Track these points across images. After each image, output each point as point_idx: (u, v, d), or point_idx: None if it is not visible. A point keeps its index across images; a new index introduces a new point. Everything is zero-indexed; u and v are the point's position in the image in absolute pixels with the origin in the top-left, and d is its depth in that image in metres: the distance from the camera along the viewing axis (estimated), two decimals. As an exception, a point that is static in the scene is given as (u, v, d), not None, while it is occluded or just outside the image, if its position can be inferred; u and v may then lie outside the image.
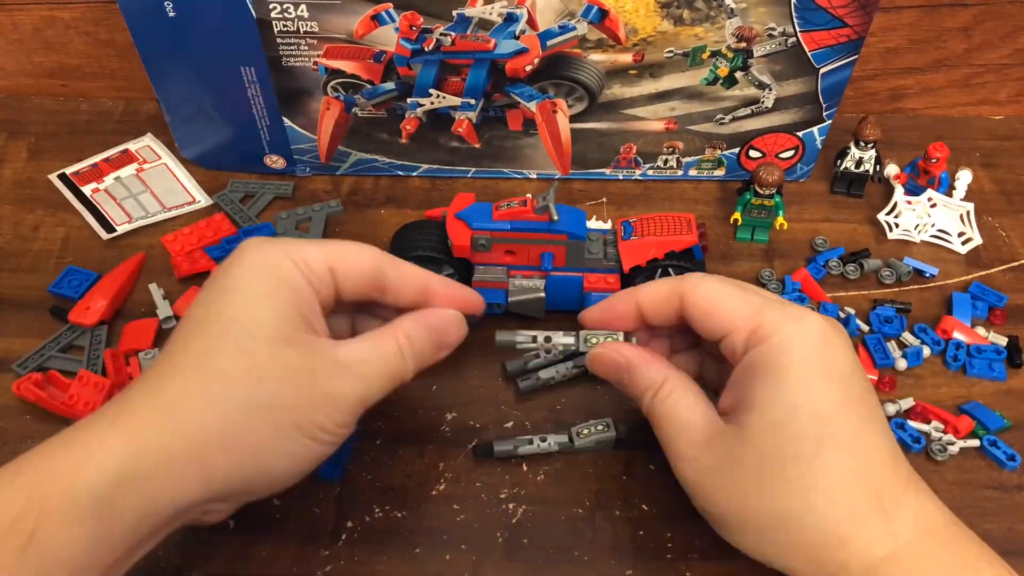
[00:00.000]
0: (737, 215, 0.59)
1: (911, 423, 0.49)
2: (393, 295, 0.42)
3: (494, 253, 0.51)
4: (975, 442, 0.48)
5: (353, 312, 0.45)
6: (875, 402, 0.38)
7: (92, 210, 0.61)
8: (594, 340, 0.44)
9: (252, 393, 0.35)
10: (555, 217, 0.49)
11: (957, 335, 0.53)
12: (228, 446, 0.35)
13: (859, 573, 0.35)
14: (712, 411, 0.40)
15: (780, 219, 0.59)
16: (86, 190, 0.62)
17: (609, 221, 0.59)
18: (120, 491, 0.33)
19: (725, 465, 0.38)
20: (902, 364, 0.52)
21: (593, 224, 0.56)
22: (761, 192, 0.58)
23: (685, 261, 0.52)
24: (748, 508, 0.37)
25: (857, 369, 0.38)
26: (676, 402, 0.40)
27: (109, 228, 0.60)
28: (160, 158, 0.64)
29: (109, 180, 0.63)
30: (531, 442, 0.47)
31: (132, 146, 0.66)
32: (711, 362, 0.45)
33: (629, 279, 0.52)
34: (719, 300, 0.40)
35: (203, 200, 0.62)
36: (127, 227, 0.60)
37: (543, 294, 0.52)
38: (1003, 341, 0.53)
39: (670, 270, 0.52)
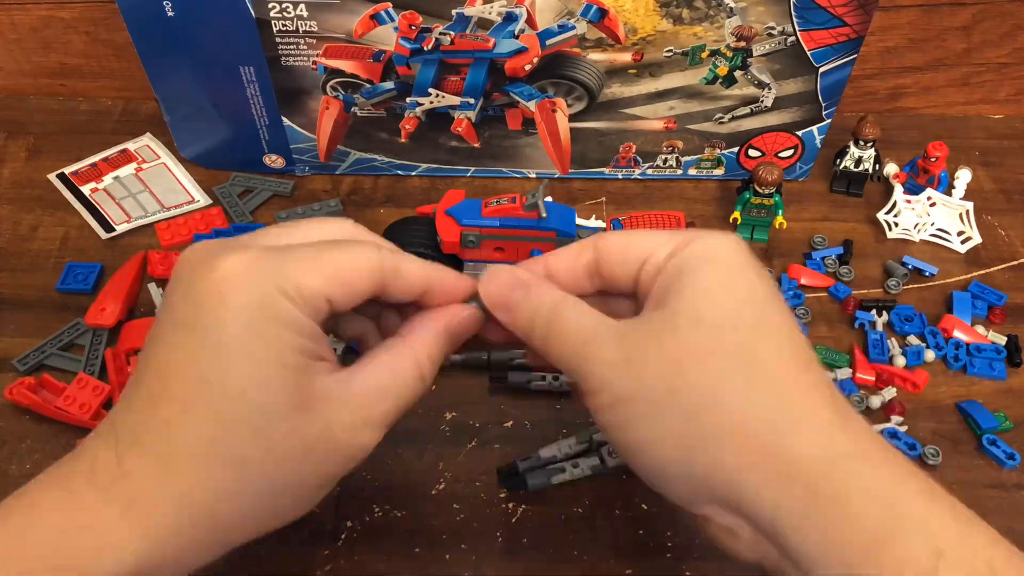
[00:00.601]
0: (737, 214, 0.59)
1: (899, 428, 0.49)
2: (394, 295, 0.37)
3: (483, 250, 0.52)
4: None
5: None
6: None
7: (91, 210, 0.61)
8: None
9: (273, 477, 0.33)
10: (544, 214, 0.49)
11: (957, 334, 0.53)
12: (249, 524, 0.33)
13: (816, 474, 0.30)
14: (619, 321, 0.35)
15: (779, 218, 0.59)
16: (85, 189, 0.62)
17: (593, 217, 0.59)
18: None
19: (653, 341, 0.33)
20: (900, 361, 0.52)
21: (585, 222, 0.56)
22: (760, 191, 0.58)
23: None
24: (682, 377, 0.32)
25: (776, 284, 0.36)
26: (577, 306, 0.35)
27: (108, 227, 0.60)
28: (159, 157, 0.64)
29: (108, 180, 0.63)
30: (563, 470, 0.46)
31: (131, 146, 0.66)
32: (621, 310, 0.39)
33: None
34: (636, 234, 0.37)
35: (202, 199, 0.62)
36: (126, 226, 0.60)
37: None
38: (1003, 340, 0.53)
39: None
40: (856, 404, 0.50)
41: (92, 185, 0.62)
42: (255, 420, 0.32)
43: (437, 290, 0.38)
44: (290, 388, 0.32)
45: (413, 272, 0.37)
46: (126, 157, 0.65)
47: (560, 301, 0.36)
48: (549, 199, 0.60)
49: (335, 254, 0.34)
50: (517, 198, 0.50)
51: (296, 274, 0.33)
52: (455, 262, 0.53)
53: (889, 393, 0.50)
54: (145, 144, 0.66)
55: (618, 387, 0.33)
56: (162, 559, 0.31)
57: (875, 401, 0.50)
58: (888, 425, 0.49)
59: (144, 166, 0.64)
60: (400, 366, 0.36)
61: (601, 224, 0.57)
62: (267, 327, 0.32)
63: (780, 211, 0.59)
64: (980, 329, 0.54)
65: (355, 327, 0.39)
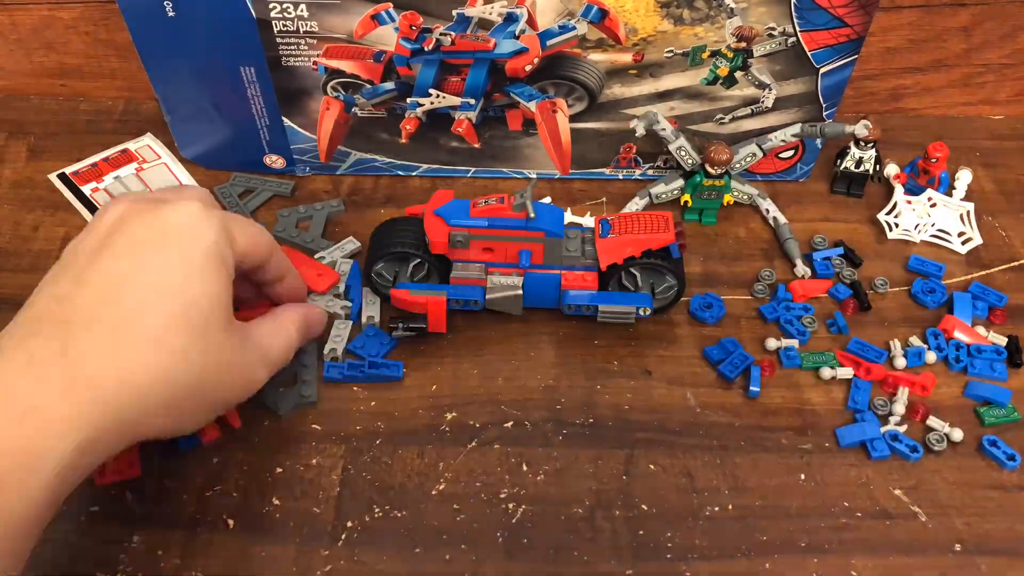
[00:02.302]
0: (687, 197, 0.60)
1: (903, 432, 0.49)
2: (263, 276, 0.47)
3: (472, 250, 0.52)
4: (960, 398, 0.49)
5: None
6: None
7: (92, 209, 0.61)
8: None
9: (200, 375, 0.39)
10: (532, 215, 0.50)
11: (958, 335, 0.53)
12: (168, 415, 0.38)
13: None
14: None
15: (728, 196, 0.60)
16: (86, 189, 0.62)
17: (588, 215, 0.59)
18: (77, 460, 0.35)
19: None
20: (901, 363, 0.52)
21: (579, 219, 0.56)
22: (712, 172, 0.58)
23: (662, 259, 0.52)
24: None
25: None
26: None
27: None
28: (159, 157, 0.64)
29: (108, 180, 0.63)
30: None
31: (132, 145, 0.66)
32: None
33: (606, 277, 0.52)
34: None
35: None
36: None
37: (520, 292, 0.52)
38: (1003, 341, 0.53)
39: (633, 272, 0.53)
40: (881, 408, 0.50)
41: (93, 185, 0.62)
42: (201, 326, 0.38)
43: (287, 281, 0.48)
44: (226, 311, 0.40)
45: (282, 259, 0.47)
46: (127, 157, 0.65)
47: None
48: (548, 199, 0.61)
49: (252, 225, 0.45)
50: (505, 198, 0.50)
51: (233, 228, 0.42)
52: (444, 263, 0.53)
53: (903, 395, 0.50)
54: (146, 144, 0.66)
55: None
56: (100, 438, 0.35)
57: (899, 407, 0.50)
58: (889, 428, 0.49)
59: (145, 166, 0.64)
60: (280, 331, 0.46)
61: (586, 221, 0.58)
62: (218, 262, 0.40)
63: (728, 190, 0.60)
64: (981, 330, 0.54)
65: (243, 290, 0.48)
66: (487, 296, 0.52)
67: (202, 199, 0.43)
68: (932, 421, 0.49)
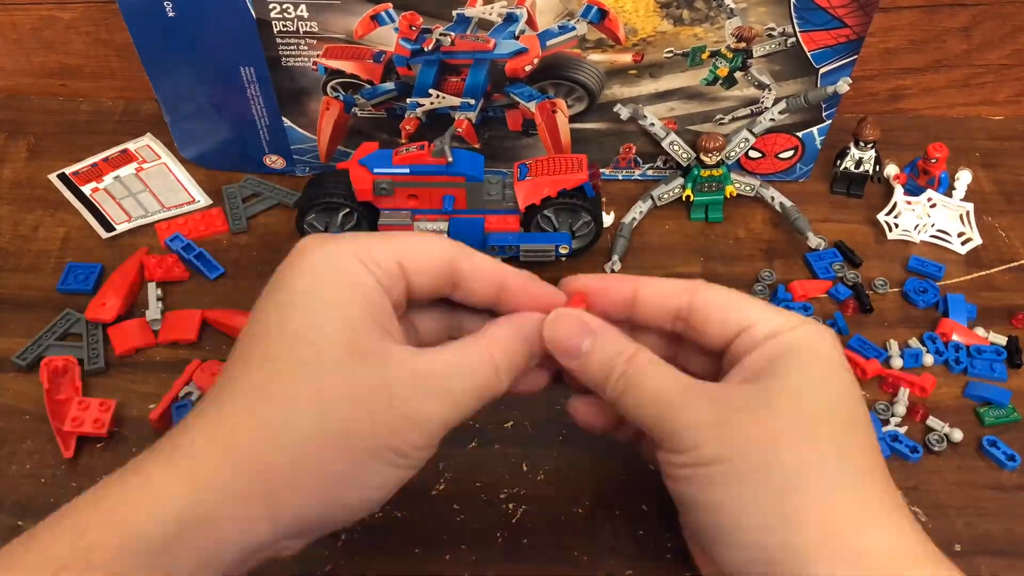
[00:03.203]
0: (688, 191, 0.60)
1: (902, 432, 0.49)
2: (465, 291, 0.37)
3: (397, 198, 0.54)
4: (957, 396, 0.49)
5: (419, 312, 0.39)
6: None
7: (92, 209, 0.61)
8: None
9: (321, 421, 0.31)
10: (450, 159, 0.52)
11: (956, 337, 0.53)
12: (297, 482, 0.31)
13: (884, 568, 0.31)
14: (706, 382, 0.36)
15: (730, 188, 0.60)
16: (85, 189, 0.62)
17: (612, 213, 0.60)
18: (179, 538, 0.29)
19: (749, 412, 0.33)
20: (897, 363, 0.52)
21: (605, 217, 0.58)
22: (707, 162, 0.58)
23: (578, 199, 0.54)
24: (776, 455, 0.33)
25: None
26: (658, 363, 0.35)
27: (108, 227, 0.60)
28: (159, 158, 0.64)
29: (108, 180, 0.63)
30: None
31: (131, 146, 0.66)
32: (691, 363, 0.40)
33: (526, 217, 0.55)
34: (738, 298, 0.37)
35: (202, 200, 0.62)
36: (126, 226, 0.60)
37: (446, 236, 0.54)
38: (1003, 341, 0.53)
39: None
40: (882, 413, 0.50)
41: (93, 185, 0.62)
42: (307, 361, 0.32)
43: (514, 291, 0.37)
44: (348, 334, 0.32)
45: (485, 266, 0.37)
46: (126, 157, 0.65)
47: (636, 353, 0.35)
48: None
49: (409, 236, 0.37)
50: (426, 146, 0.53)
51: (371, 245, 0.34)
52: (371, 211, 0.55)
53: (904, 396, 0.50)
54: (146, 144, 0.66)
55: (708, 450, 0.33)
56: (202, 511, 0.30)
57: (900, 408, 0.50)
58: (888, 428, 0.49)
59: (145, 166, 0.64)
60: (471, 351, 0.35)
61: (607, 219, 0.59)
62: (334, 281, 0.33)
63: (729, 181, 0.60)
64: (980, 331, 0.54)
65: (435, 326, 0.39)
66: None
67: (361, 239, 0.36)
68: (932, 421, 0.49)
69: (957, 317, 0.54)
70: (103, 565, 0.29)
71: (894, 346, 0.53)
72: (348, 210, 0.55)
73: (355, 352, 0.32)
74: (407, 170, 0.53)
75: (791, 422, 0.33)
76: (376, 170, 0.53)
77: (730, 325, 0.37)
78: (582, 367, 0.36)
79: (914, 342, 0.53)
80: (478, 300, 0.38)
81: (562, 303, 0.38)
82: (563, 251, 0.55)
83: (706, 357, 0.39)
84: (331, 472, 0.32)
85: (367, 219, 0.55)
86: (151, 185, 0.63)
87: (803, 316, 0.37)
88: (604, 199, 0.62)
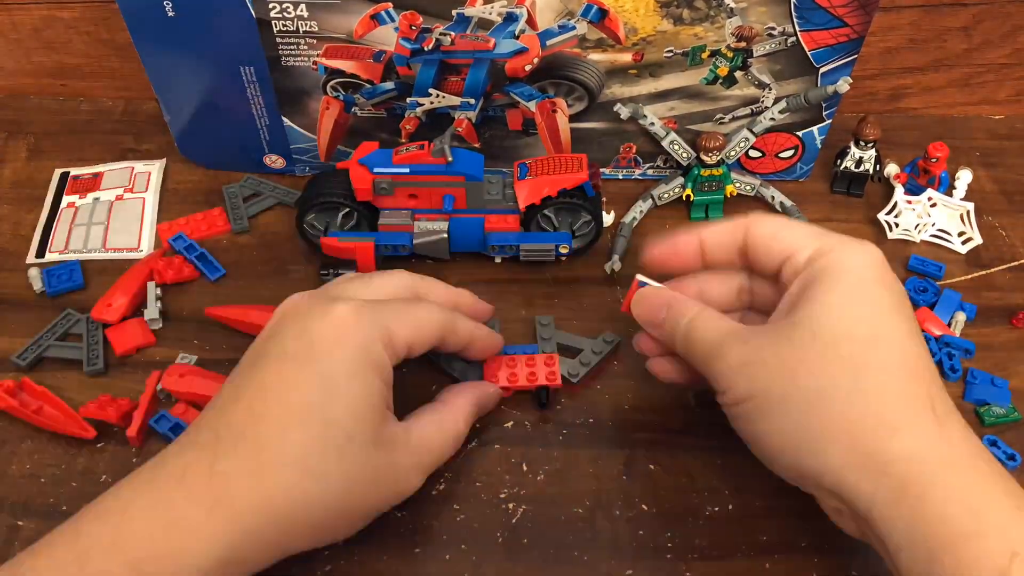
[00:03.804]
0: (688, 191, 0.60)
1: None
2: (447, 347, 0.45)
3: (398, 197, 0.54)
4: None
5: None
6: (918, 327, 0.39)
7: (48, 224, 0.60)
8: None
9: (345, 497, 0.38)
10: (450, 159, 0.52)
11: (929, 326, 0.53)
12: (314, 534, 0.39)
13: (908, 474, 0.34)
14: (746, 327, 0.41)
15: (730, 187, 0.60)
16: (66, 200, 0.61)
17: (612, 213, 0.60)
18: (219, 573, 0.35)
19: (770, 348, 0.38)
20: None
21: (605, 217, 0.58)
22: (707, 161, 0.58)
23: (578, 198, 0.54)
24: (794, 383, 0.37)
25: (906, 295, 0.39)
26: (709, 319, 0.41)
27: (41, 252, 0.58)
28: (146, 190, 0.62)
29: (89, 198, 0.61)
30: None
31: (139, 166, 0.64)
32: (764, 291, 0.45)
33: (526, 217, 0.55)
34: (784, 227, 0.42)
35: (146, 249, 0.58)
36: (55, 256, 0.58)
37: (446, 235, 0.55)
38: (974, 342, 0.53)
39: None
40: None
41: (73, 199, 0.61)
42: (343, 445, 0.37)
43: (477, 344, 0.47)
44: (374, 425, 0.39)
45: (464, 328, 0.45)
46: (124, 177, 0.63)
47: (696, 315, 0.42)
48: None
49: (416, 311, 0.43)
50: (426, 145, 0.53)
51: (392, 325, 0.40)
52: (371, 210, 0.55)
53: None
54: (149, 171, 0.64)
55: (739, 388, 0.39)
56: (240, 554, 0.36)
57: None
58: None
59: (127, 196, 0.62)
60: (445, 426, 0.44)
61: (607, 218, 0.59)
62: (366, 370, 0.39)
63: (729, 180, 0.60)
64: (957, 328, 0.54)
65: None
66: (414, 241, 0.55)
67: (376, 294, 0.43)
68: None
69: (942, 311, 0.54)
70: None
71: None
72: (348, 210, 0.55)
73: (375, 439, 0.39)
74: (407, 170, 0.53)
75: (806, 350, 0.37)
76: (376, 170, 0.53)
77: (775, 255, 0.41)
78: (660, 334, 0.44)
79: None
80: (453, 350, 0.46)
81: (498, 345, 0.49)
82: (563, 251, 0.55)
83: (776, 287, 0.42)
84: (339, 527, 0.40)
85: (367, 219, 0.55)
86: (113, 219, 0.60)
87: (843, 236, 0.40)
88: (604, 199, 0.62)
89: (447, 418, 0.44)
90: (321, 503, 0.37)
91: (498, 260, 0.57)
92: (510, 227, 0.55)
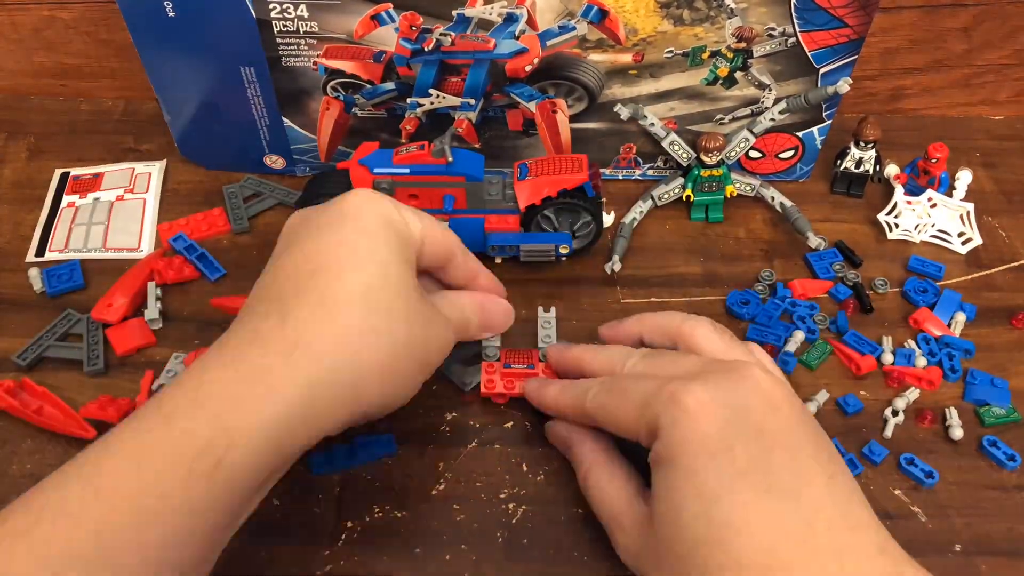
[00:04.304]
0: (688, 192, 0.60)
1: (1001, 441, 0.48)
2: (450, 276, 0.47)
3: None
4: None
5: None
6: (795, 455, 0.36)
7: (49, 222, 0.60)
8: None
9: (407, 332, 0.39)
10: (450, 159, 0.52)
11: (928, 327, 0.54)
12: (383, 378, 0.39)
13: None
14: (635, 493, 0.41)
15: (730, 188, 0.60)
16: (66, 199, 0.61)
17: (612, 213, 0.60)
18: (298, 421, 0.36)
19: (649, 554, 0.38)
20: (888, 358, 0.52)
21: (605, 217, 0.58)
22: (707, 161, 0.58)
23: (578, 199, 0.54)
24: None
25: (761, 425, 0.36)
26: (600, 487, 0.42)
27: (41, 250, 0.58)
28: (147, 191, 0.62)
29: (89, 198, 0.62)
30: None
31: (140, 167, 0.64)
32: None
33: (526, 217, 0.55)
34: (611, 417, 0.41)
35: (146, 249, 0.59)
36: (55, 255, 0.58)
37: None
38: (974, 342, 0.53)
39: None
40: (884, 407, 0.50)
41: (73, 199, 0.61)
42: (397, 284, 0.39)
43: (482, 277, 0.48)
44: (412, 272, 0.41)
45: (471, 262, 0.47)
46: (124, 178, 0.63)
47: (588, 469, 0.43)
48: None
49: (430, 218, 0.44)
50: (426, 145, 0.53)
51: (407, 213, 0.43)
52: None
53: (913, 395, 0.50)
54: (150, 172, 0.64)
55: (632, 564, 0.40)
56: (316, 401, 0.36)
57: (900, 403, 0.50)
58: (889, 427, 0.49)
59: (127, 196, 0.62)
60: (459, 302, 0.46)
61: (608, 219, 0.59)
62: (396, 235, 0.41)
63: (729, 181, 0.60)
64: (957, 328, 0.54)
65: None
66: None
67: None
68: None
69: (941, 311, 0.54)
70: (242, 444, 0.34)
71: (888, 343, 0.53)
72: None
73: (416, 286, 0.41)
74: (407, 170, 0.53)
75: (674, 550, 0.36)
76: (376, 170, 0.53)
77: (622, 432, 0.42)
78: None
79: (910, 343, 0.53)
80: (453, 283, 0.47)
81: (503, 294, 0.49)
82: (563, 251, 0.55)
83: None
84: (403, 373, 0.40)
85: None
86: (113, 219, 0.60)
87: (665, 393, 0.38)
88: (604, 199, 0.62)
89: (453, 301, 0.46)
90: (389, 339, 0.38)
91: (498, 260, 0.57)
92: (510, 227, 0.55)
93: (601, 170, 0.63)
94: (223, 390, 0.35)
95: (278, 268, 0.40)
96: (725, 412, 0.36)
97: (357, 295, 0.38)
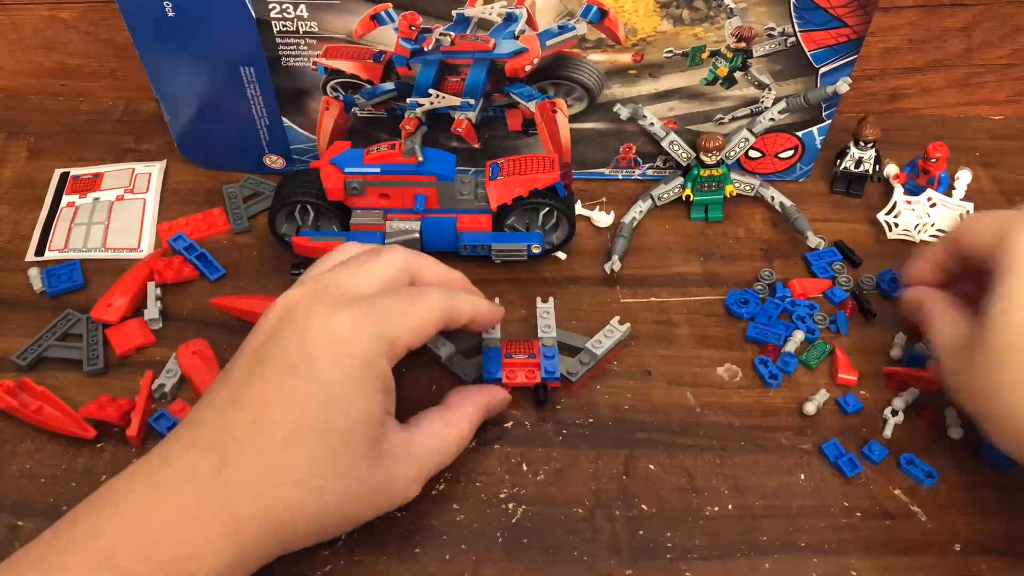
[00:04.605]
0: (688, 191, 0.60)
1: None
2: (449, 328, 0.44)
3: (369, 197, 0.54)
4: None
5: None
6: None
7: (48, 222, 0.60)
8: None
9: (340, 511, 0.39)
10: (420, 159, 0.52)
11: (795, 284, 0.55)
12: (311, 538, 0.40)
13: None
14: (970, 324, 0.44)
15: (730, 187, 0.60)
16: (65, 199, 0.61)
17: (612, 213, 0.60)
18: (229, 566, 0.37)
19: (975, 361, 0.42)
20: (896, 352, 0.52)
21: (597, 216, 0.58)
22: (707, 161, 0.58)
23: (549, 198, 0.54)
24: (993, 405, 0.41)
25: None
26: (944, 320, 0.46)
27: (40, 250, 0.58)
28: (147, 191, 0.62)
29: (89, 198, 0.62)
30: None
31: (139, 168, 0.64)
32: None
33: (498, 217, 0.55)
34: (976, 224, 0.46)
35: (145, 250, 0.59)
36: (54, 255, 0.58)
37: (418, 235, 0.55)
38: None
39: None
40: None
41: (73, 199, 0.61)
42: (341, 464, 0.38)
43: (480, 319, 0.45)
44: (371, 442, 0.39)
45: (465, 308, 0.44)
46: (123, 179, 0.63)
47: (940, 312, 0.47)
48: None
49: (417, 309, 0.41)
50: (397, 145, 0.53)
51: (392, 331, 0.40)
52: (345, 212, 0.55)
53: (912, 395, 0.50)
54: (150, 172, 0.64)
55: (951, 384, 0.44)
56: (245, 559, 0.38)
57: (899, 402, 0.50)
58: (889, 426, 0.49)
59: (127, 196, 0.62)
60: (449, 432, 0.44)
61: (608, 217, 0.59)
62: (367, 384, 0.39)
63: (729, 181, 0.60)
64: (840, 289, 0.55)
65: None
66: (386, 240, 0.55)
67: (376, 290, 0.42)
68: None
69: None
70: None
71: (900, 338, 0.53)
72: (320, 209, 0.55)
73: (373, 456, 0.39)
74: (378, 169, 0.53)
75: (1006, 351, 0.41)
76: (347, 169, 0.53)
77: (975, 253, 0.45)
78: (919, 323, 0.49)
79: (921, 347, 0.53)
80: (454, 328, 0.45)
81: (501, 315, 0.48)
82: (535, 250, 0.55)
83: None
84: (325, 535, 0.41)
85: (340, 220, 0.55)
86: (113, 219, 0.60)
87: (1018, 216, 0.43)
88: (604, 199, 0.62)
89: (452, 424, 0.44)
90: (319, 514, 0.39)
91: (498, 261, 0.57)
92: (482, 227, 0.55)
93: (601, 170, 0.63)
94: (166, 538, 0.36)
95: (236, 399, 0.39)
96: None
97: (292, 477, 0.37)
